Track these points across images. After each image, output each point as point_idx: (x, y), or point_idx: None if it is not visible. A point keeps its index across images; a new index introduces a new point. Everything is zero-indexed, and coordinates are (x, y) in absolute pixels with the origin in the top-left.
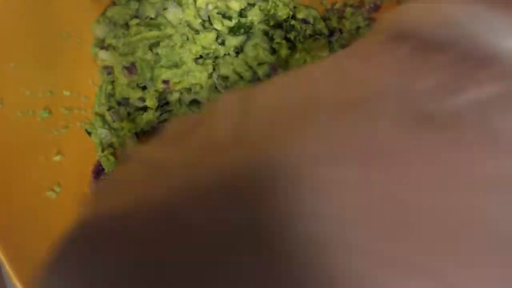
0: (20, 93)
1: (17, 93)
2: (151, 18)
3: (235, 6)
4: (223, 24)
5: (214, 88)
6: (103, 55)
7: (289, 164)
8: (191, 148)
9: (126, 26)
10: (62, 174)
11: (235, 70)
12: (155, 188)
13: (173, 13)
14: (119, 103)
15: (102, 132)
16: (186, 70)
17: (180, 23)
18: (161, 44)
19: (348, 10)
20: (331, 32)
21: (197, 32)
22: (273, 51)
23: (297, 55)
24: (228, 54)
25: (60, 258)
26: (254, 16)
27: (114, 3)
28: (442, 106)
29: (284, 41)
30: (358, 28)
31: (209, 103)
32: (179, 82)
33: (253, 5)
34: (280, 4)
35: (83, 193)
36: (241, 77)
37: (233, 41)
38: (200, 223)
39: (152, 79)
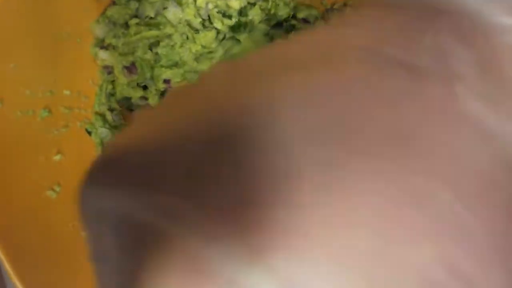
0: (20, 93)
1: (17, 92)
2: (151, 18)
3: (235, 4)
4: (223, 23)
5: None
6: (103, 54)
7: (262, 110)
8: (181, 106)
9: (126, 25)
10: (62, 174)
11: None
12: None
13: (172, 13)
14: (120, 103)
15: (103, 132)
16: (187, 69)
17: (180, 23)
18: (161, 44)
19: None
20: None
21: (197, 31)
22: None
23: None
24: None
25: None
26: (254, 15)
27: (114, 3)
28: (408, 51)
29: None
30: None
31: (203, 71)
32: (180, 82)
33: (253, 4)
34: (281, 4)
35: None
36: None
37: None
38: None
39: (152, 78)
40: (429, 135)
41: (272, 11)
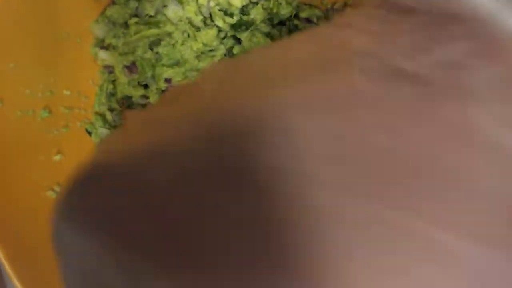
0: (20, 93)
1: (17, 92)
2: (151, 16)
3: (237, 3)
4: (224, 21)
5: None
6: (103, 54)
7: (262, 111)
8: (181, 104)
9: (126, 25)
10: (62, 174)
11: None
12: (153, 137)
13: (172, 11)
14: (120, 102)
15: (103, 132)
16: (188, 68)
17: (181, 20)
18: (162, 43)
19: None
20: None
21: (198, 29)
22: None
23: None
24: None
25: (82, 186)
26: (256, 14)
27: (113, 3)
28: (416, 62)
29: None
30: None
31: (201, 70)
32: (182, 80)
33: (256, 3)
34: (283, 3)
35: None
36: None
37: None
38: (186, 165)
39: (153, 77)
40: (443, 168)
41: (274, 10)
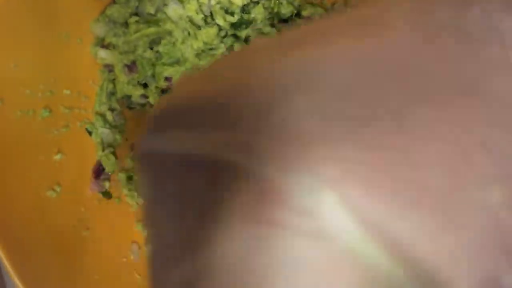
0: (20, 93)
1: (17, 92)
2: (151, 15)
3: (238, 1)
4: (225, 20)
5: None
6: (103, 54)
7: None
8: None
9: (126, 24)
10: (62, 174)
11: None
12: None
13: (173, 9)
14: (120, 101)
15: (104, 132)
16: (188, 66)
17: (181, 19)
18: (163, 41)
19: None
20: None
21: (198, 27)
22: None
23: None
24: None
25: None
26: (257, 13)
27: (113, 2)
28: (455, 18)
29: None
30: None
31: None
32: None
33: (257, 2)
34: (284, 2)
35: (83, 193)
36: None
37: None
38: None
39: (153, 76)
40: (494, 88)
41: (275, 10)
